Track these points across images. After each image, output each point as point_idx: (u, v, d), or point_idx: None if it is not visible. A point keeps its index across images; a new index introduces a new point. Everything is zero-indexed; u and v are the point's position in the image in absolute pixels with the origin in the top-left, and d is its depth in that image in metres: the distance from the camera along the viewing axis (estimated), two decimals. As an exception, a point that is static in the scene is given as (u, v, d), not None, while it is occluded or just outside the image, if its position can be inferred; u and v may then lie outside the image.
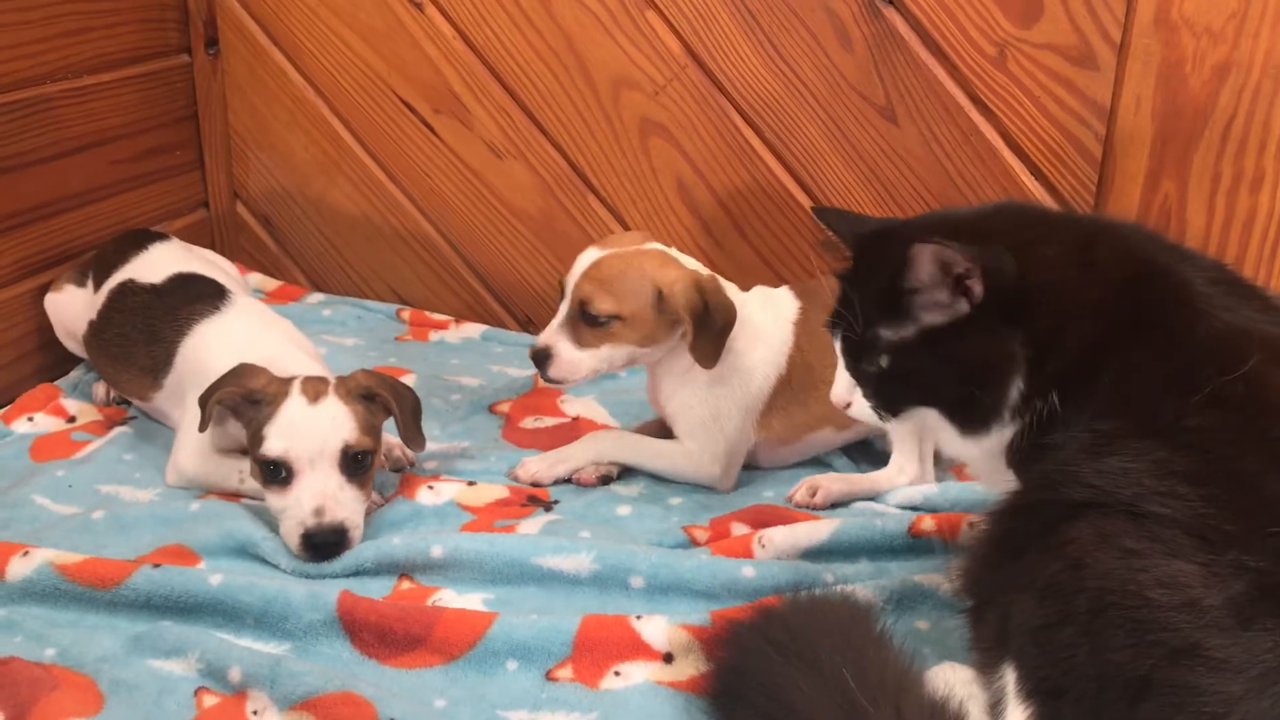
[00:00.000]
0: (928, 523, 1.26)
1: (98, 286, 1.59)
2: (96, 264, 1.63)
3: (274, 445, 1.24)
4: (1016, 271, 0.94)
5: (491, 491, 1.41)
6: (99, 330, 1.55)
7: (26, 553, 1.18)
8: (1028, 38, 1.50)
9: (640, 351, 1.41)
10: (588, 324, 1.38)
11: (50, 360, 1.67)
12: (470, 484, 1.41)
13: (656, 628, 1.10)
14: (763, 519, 1.34)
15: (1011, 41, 1.51)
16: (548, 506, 1.39)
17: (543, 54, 1.74)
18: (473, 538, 1.23)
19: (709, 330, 1.37)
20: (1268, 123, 1.43)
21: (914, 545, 1.25)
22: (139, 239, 1.65)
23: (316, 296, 2.00)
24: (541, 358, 1.39)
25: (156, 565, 1.17)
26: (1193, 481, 0.85)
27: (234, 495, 1.38)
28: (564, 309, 1.39)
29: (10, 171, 1.61)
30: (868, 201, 1.64)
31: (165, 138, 1.88)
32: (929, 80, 1.56)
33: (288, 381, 1.30)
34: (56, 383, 1.64)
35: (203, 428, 1.30)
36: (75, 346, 1.64)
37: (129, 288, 1.54)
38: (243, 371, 1.31)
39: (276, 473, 1.25)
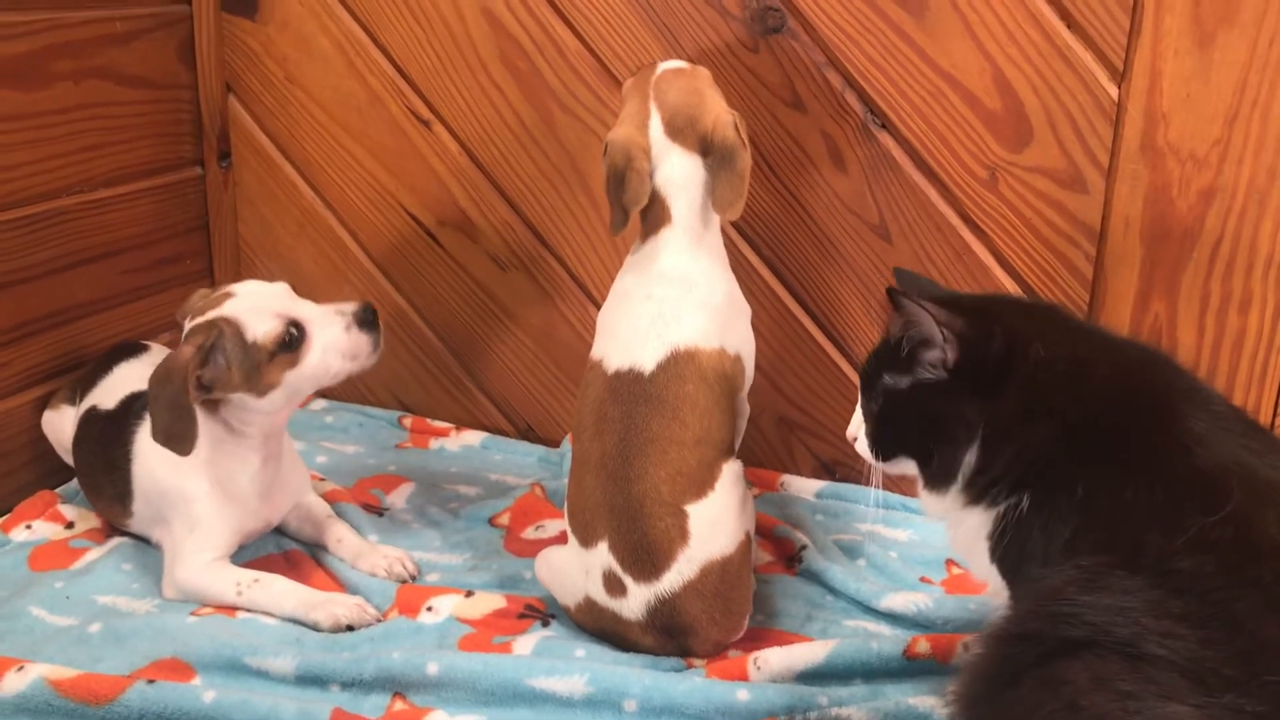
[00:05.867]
0: (923, 645, 1.25)
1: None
2: (81, 384, 1.62)
3: (276, 324, 1.33)
4: (1002, 353, 1.02)
5: (490, 601, 1.40)
6: (75, 458, 1.55)
7: (21, 668, 1.18)
8: (1018, 161, 1.54)
9: None
10: None
11: (51, 468, 1.67)
12: (468, 594, 1.41)
13: (649, 752, 1.09)
14: (759, 640, 1.34)
15: (1002, 165, 1.55)
16: (545, 620, 1.39)
17: (546, 171, 1.78)
18: (469, 657, 1.23)
19: None
20: (1254, 245, 1.46)
21: (910, 667, 1.24)
22: (108, 360, 1.63)
23: (320, 403, 2.01)
24: None
25: (151, 681, 1.17)
26: (1190, 623, 0.86)
27: (230, 609, 1.38)
28: None
29: (22, 284, 1.62)
30: (861, 316, 1.67)
31: (176, 248, 1.92)
32: (921, 201, 1.60)
33: (210, 309, 1.36)
34: (57, 490, 1.64)
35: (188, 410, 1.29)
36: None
37: (91, 415, 1.53)
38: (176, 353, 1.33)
39: (294, 340, 1.34)
